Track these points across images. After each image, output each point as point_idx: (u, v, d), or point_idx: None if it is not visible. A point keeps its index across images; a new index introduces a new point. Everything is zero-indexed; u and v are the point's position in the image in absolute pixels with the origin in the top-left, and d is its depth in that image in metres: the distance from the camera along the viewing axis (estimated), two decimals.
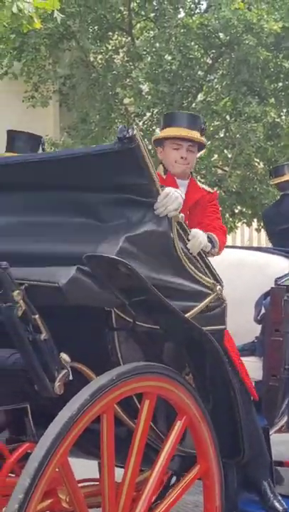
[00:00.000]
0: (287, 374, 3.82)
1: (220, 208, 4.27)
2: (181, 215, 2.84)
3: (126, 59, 13.84)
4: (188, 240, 2.92)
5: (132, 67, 13.21)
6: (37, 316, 2.47)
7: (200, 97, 13.81)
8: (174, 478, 3.54)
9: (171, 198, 2.75)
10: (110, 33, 14.09)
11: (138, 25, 14.58)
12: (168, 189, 2.76)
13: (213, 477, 2.88)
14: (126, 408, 2.71)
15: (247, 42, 12.00)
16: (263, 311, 3.96)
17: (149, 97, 12.70)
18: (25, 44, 13.09)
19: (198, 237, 2.96)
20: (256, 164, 13.83)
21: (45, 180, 2.83)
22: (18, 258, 2.57)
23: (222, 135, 13.59)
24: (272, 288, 3.89)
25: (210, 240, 3.49)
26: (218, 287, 3.03)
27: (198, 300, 2.95)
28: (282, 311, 3.81)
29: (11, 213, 2.90)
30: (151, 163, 2.67)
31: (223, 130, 13.50)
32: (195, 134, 3.97)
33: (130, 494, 2.60)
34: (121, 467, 2.64)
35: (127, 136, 2.57)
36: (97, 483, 3.19)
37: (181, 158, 3.96)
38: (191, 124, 4.00)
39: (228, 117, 13.57)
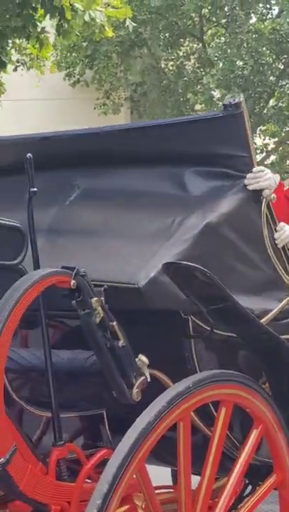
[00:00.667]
0: None
1: None
2: (274, 195, 2.82)
3: (197, 65, 13.87)
4: (276, 231, 2.90)
5: (203, 73, 13.22)
6: (115, 323, 2.49)
7: (272, 102, 13.74)
8: (248, 489, 3.51)
9: (265, 176, 2.77)
10: (181, 40, 14.14)
11: (209, 31, 14.59)
12: (263, 167, 2.78)
13: None
14: (202, 416, 2.71)
15: None
16: None
17: (221, 103, 12.68)
18: (97, 52, 13.24)
19: (286, 230, 2.94)
20: None
21: (139, 150, 2.86)
22: (107, 228, 2.63)
23: None
24: None
25: None
26: None
27: (276, 299, 2.91)
28: None
29: (101, 182, 2.94)
30: (251, 135, 2.70)
31: None
32: None
33: (206, 502, 2.59)
34: (196, 475, 2.63)
35: (233, 103, 2.62)
36: (171, 490, 3.18)
37: None
38: None
39: None
